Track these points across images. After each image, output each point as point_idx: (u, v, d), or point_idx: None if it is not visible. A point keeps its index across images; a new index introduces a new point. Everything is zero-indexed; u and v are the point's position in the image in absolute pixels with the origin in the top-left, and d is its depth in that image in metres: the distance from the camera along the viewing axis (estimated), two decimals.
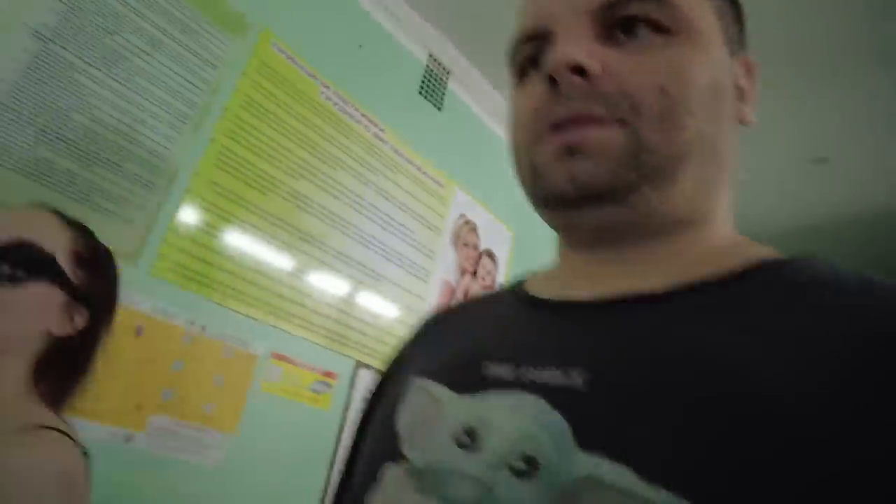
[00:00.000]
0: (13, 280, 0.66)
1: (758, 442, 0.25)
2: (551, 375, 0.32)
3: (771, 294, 0.32)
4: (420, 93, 1.68)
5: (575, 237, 0.42)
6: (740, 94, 0.42)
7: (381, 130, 1.53)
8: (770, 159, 1.92)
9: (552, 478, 0.28)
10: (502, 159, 1.78)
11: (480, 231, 1.83)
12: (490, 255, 1.86)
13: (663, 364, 0.30)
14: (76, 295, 0.71)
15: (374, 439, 0.41)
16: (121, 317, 0.81)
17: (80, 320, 0.72)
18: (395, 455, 0.35)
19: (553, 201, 0.39)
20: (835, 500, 0.23)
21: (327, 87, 1.40)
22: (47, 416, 0.67)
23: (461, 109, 1.85)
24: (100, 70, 1.02)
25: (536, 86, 0.39)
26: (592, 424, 0.28)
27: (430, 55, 1.72)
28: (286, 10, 1.33)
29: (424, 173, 1.65)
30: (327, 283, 1.36)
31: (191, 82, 1.15)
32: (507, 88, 0.45)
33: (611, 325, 0.34)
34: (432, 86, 1.71)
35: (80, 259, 0.73)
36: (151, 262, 1.06)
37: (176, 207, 1.10)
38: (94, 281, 0.74)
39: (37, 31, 0.95)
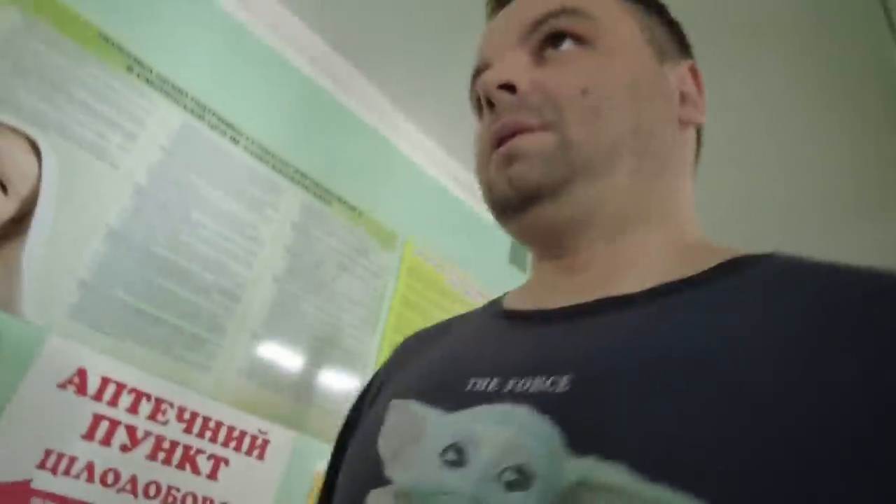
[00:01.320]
0: None
1: (752, 429, 0.24)
2: (538, 384, 0.31)
3: (753, 285, 0.33)
4: (510, 262, 1.98)
5: (533, 243, 0.44)
6: (683, 98, 0.45)
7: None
8: None
9: (547, 485, 0.26)
10: None
11: None
12: None
13: (648, 358, 0.29)
14: None
15: (353, 468, 0.39)
16: None
17: None
18: (379, 480, 0.33)
19: (500, 208, 0.42)
20: (839, 479, 0.22)
21: (452, 272, 1.71)
22: None
23: None
24: (313, 295, 1.32)
25: (486, 117, 0.43)
26: (582, 426, 0.27)
27: None
28: (420, 223, 1.68)
29: None
30: None
31: (367, 291, 1.45)
32: None
33: (591, 328, 0.34)
34: (521, 254, 2.02)
35: None
36: None
37: None
38: None
39: (276, 277, 1.26)
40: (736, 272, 0.35)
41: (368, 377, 0.54)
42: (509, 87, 0.40)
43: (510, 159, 0.39)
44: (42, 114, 0.98)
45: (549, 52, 0.42)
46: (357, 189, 1.51)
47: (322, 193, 1.42)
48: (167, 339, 1.05)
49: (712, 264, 0.36)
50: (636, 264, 0.39)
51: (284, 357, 1.23)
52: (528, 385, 0.31)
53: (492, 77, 0.40)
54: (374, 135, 1.61)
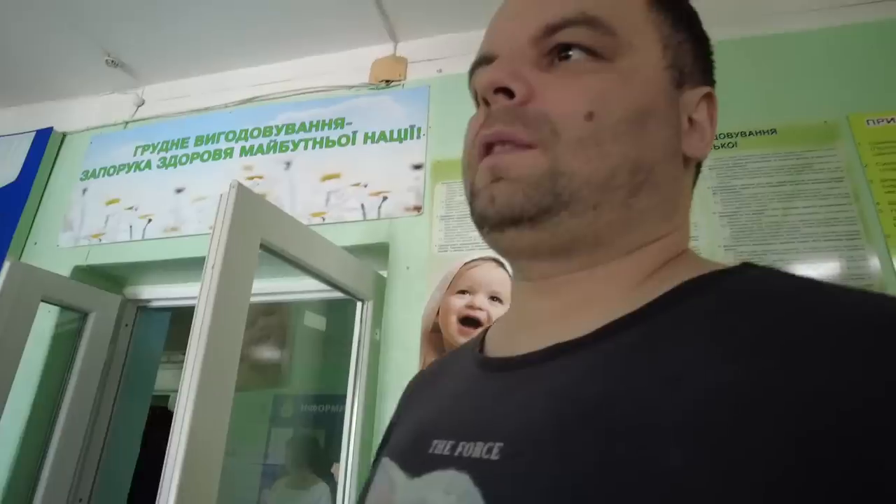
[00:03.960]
0: None
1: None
2: (479, 449, 0.33)
3: (690, 319, 0.32)
4: None
5: (510, 261, 0.43)
6: (691, 126, 0.41)
7: None
8: None
9: None
10: None
11: None
12: None
13: (570, 427, 0.30)
14: None
15: None
16: None
17: None
18: None
19: (480, 222, 0.40)
20: None
21: None
22: None
23: None
24: (772, 243, 1.31)
25: (480, 112, 0.41)
26: (501, 496, 0.29)
27: None
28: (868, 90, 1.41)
29: None
30: None
31: (829, 203, 1.31)
32: None
33: (535, 387, 0.35)
34: None
35: None
36: None
37: None
38: None
39: (725, 246, 1.25)
40: (678, 302, 0.34)
41: None
42: (508, 92, 0.38)
43: (496, 175, 0.38)
44: None
45: (557, 61, 0.39)
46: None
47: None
48: None
49: (664, 291, 0.35)
50: (604, 297, 0.38)
51: None
52: (471, 450, 0.33)
53: (491, 78, 0.39)
54: None
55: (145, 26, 1.86)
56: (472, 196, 0.40)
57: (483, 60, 0.43)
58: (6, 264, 1.60)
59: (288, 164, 1.79)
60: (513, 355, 0.39)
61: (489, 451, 0.32)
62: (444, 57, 1.80)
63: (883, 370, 0.24)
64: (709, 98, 0.43)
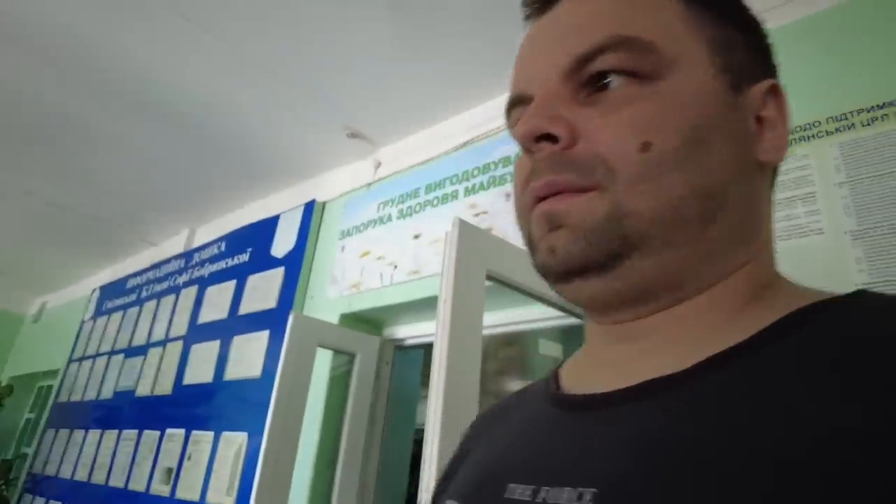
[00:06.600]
0: None
1: None
2: (566, 496, 0.30)
3: (791, 360, 0.28)
4: None
5: (583, 309, 0.39)
6: (760, 126, 0.37)
7: None
8: None
9: None
10: None
11: None
12: None
13: (673, 473, 0.27)
14: None
15: None
16: None
17: None
18: None
19: (543, 274, 0.37)
20: None
21: None
22: None
23: None
24: None
25: (525, 157, 0.38)
26: None
27: None
28: None
29: None
30: None
31: None
32: None
33: (624, 429, 0.31)
34: None
35: None
36: None
37: None
38: None
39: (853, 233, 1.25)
40: (777, 339, 0.30)
41: None
42: (551, 138, 0.35)
43: (553, 223, 0.35)
44: None
45: (598, 92, 0.35)
46: None
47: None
48: None
49: (764, 324, 0.31)
50: (692, 337, 0.34)
51: None
52: (558, 496, 0.30)
53: (528, 128, 0.35)
54: None
55: (372, 98, 2.10)
56: (531, 247, 0.38)
57: (517, 101, 0.40)
58: (291, 317, 1.91)
59: (508, 195, 1.83)
60: (594, 393, 0.36)
61: (580, 497, 0.29)
62: None
63: None
64: (774, 90, 0.38)
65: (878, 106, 1.16)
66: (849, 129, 1.18)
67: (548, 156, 0.35)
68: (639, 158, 0.33)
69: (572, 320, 1.51)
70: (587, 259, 0.34)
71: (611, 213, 0.33)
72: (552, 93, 0.36)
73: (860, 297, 0.31)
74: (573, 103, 0.36)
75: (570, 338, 1.86)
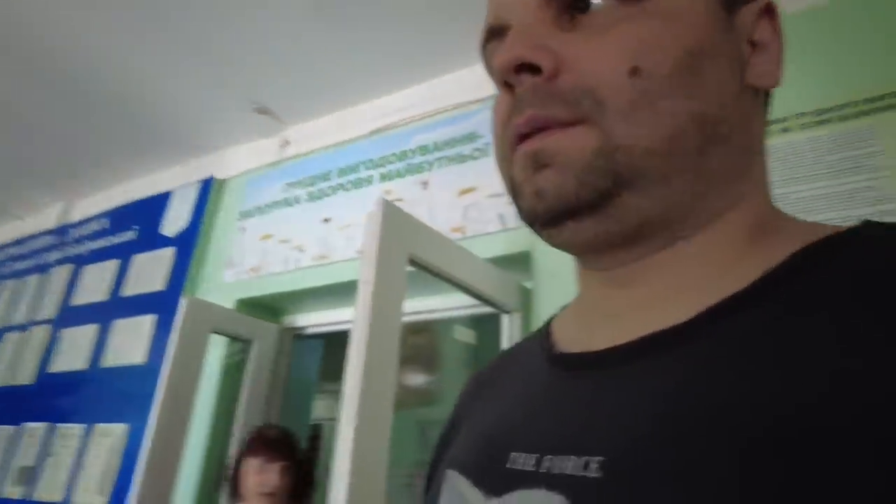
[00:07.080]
0: None
1: None
2: (571, 465, 0.28)
3: (816, 309, 0.26)
4: None
5: (576, 255, 0.38)
6: (753, 49, 0.35)
7: None
8: None
9: None
10: None
11: None
12: None
13: (685, 434, 0.25)
14: None
15: None
16: None
17: None
18: None
19: (529, 221, 0.34)
20: None
21: None
22: None
23: None
24: None
25: (504, 96, 0.34)
26: None
27: None
28: None
29: None
30: None
31: None
32: None
33: (632, 390, 0.29)
34: None
35: None
36: None
37: None
38: None
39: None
40: (794, 278, 0.28)
41: None
42: (532, 68, 0.31)
43: (538, 163, 0.32)
44: None
45: (582, 14, 0.33)
46: None
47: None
48: None
49: (772, 266, 0.29)
50: (698, 278, 0.32)
51: None
52: (562, 465, 0.28)
53: (508, 57, 0.32)
54: None
55: (283, 74, 1.99)
56: (515, 192, 0.35)
57: (493, 32, 0.37)
58: (183, 301, 1.76)
59: (425, 183, 1.81)
60: (594, 350, 0.33)
61: (585, 466, 0.27)
62: None
63: None
64: (769, 11, 0.35)
65: None
66: None
67: (529, 88, 0.32)
68: (628, 85, 0.30)
69: (487, 309, 1.51)
70: (578, 200, 0.31)
71: (600, 148, 0.30)
72: (532, 19, 0.33)
73: (873, 227, 0.29)
74: (555, 29, 0.33)
75: (483, 326, 1.88)
